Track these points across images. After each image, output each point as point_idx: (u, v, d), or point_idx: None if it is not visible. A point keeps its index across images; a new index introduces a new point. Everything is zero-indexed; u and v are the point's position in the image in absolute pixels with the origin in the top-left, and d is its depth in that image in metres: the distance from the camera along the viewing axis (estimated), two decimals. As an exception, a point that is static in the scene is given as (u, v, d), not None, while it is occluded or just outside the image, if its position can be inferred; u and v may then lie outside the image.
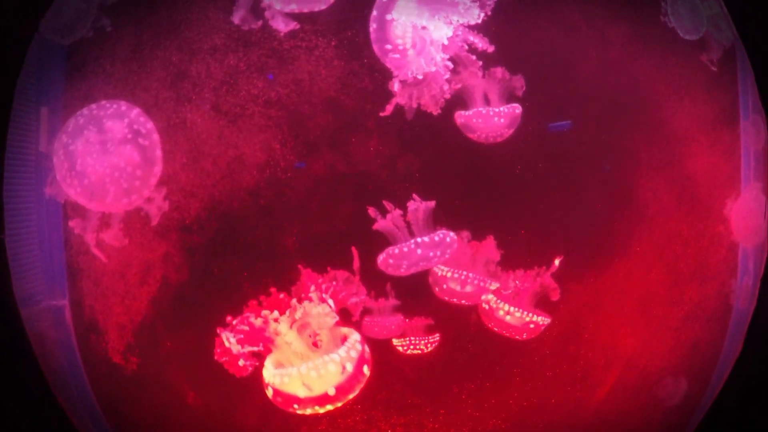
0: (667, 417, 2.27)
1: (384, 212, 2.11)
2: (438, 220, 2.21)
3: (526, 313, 2.11)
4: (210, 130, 2.34)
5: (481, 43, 2.19)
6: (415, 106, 2.16)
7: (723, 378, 2.13)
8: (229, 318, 1.90)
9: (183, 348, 2.30)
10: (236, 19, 2.13)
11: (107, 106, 2.32)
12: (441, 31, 2.12)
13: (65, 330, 2.38)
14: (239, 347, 1.85)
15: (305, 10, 2.11)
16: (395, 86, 2.13)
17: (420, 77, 2.12)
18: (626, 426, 2.26)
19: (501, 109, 2.27)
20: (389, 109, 2.15)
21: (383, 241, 2.20)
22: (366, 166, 2.31)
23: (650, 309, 2.37)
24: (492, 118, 2.26)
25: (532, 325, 2.11)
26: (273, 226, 2.35)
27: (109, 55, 2.28)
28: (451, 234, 2.10)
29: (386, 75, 2.18)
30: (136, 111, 2.31)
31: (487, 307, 2.15)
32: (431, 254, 2.08)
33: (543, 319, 2.11)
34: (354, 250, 2.09)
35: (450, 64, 2.18)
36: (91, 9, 2.23)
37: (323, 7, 2.12)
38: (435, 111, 2.16)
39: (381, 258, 2.11)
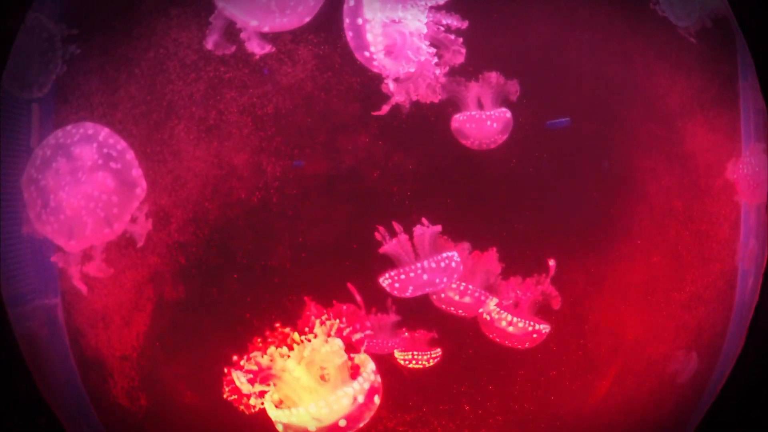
0: (676, 401, 2.40)
1: (391, 234, 2.14)
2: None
3: (528, 322, 2.19)
4: (193, 145, 2.29)
5: (453, 21, 2.16)
6: (414, 98, 2.16)
7: (730, 363, 2.25)
8: (235, 357, 1.94)
9: (190, 376, 2.34)
10: (209, 44, 2.07)
11: (73, 131, 2.24)
12: (416, 18, 2.11)
13: (58, 331, 2.39)
14: (250, 386, 1.90)
15: (282, 29, 2.05)
16: (390, 86, 2.13)
17: (412, 70, 2.13)
18: (634, 412, 2.38)
19: (493, 112, 2.26)
20: (385, 108, 2.15)
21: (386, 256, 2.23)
22: (361, 174, 2.30)
23: (654, 293, 2.44)
24: (485, 122, 2.25)
25: (535, 335, 2.20)
26: (269, 243, 2.34)
27: (84, 78, 2.23)
28: (456, 258, 2.14)
29: (377, 78, 2.17)
30: (104, 132, 2.23)
31: (488, 318, 2.22)
32: (437, 280, 2.13)
33: (545, 327, 2.19)
34: (351, 287, 2.12)
35: (434, 49, 2.16)
36: (56, 49, 2.12)
37: (301, 24, 2.07)
38: (435, 99, 2.17)
39: (386, 281, 2.15)
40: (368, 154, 2.30)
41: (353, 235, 2.33)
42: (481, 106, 2.29)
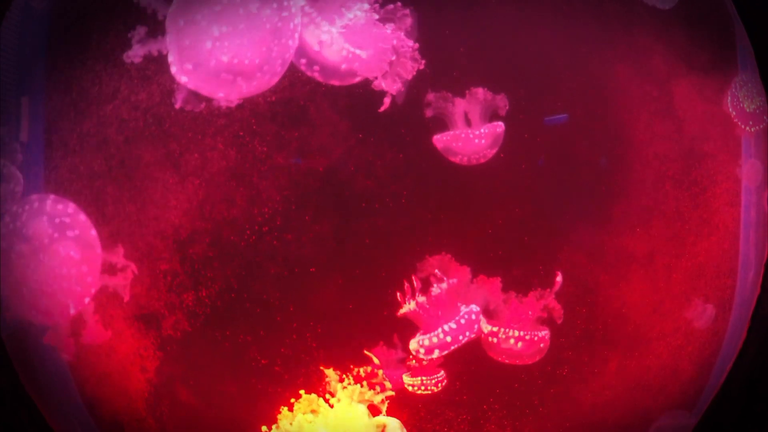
0: (693, 358, 2.55)
1: (412, 292, 2.22)
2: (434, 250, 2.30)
3: (533, 333, 2.31)
4: (173, 186, 2.30)
5: None
6: (408, 77, 2.21)
7: (744, 322, 2.40)
8: (264, 429, 2.08)
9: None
10: (178, 102, 1.98)
11: (20, 212, 2.20)
12: (362, 9, 2.12)
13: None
14: (285, 453, 2.03)
15: (250, 95, 2.02)
16: (382, 84, 2.18)
17: (393, 57, 2.17)
18: (646, 386, 2.55)
19: (482, 130, 2.24)
20: (387, 102, 2.20)
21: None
22: (354, 185, 2.33)
23: (657, 265, 2.52)
24: (473, 140, 2.24)
25: (542, 344, 2.33)
26: (264, 272, 2.36)
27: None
28: (474, 311, 2.22)
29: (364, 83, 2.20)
30: (50, 201, 2.20)
31: (495, 340, 2.33)
32: (461, 337, 2.22)
33: (546, 333, 2.32)
34: (369, 353, 2.18)
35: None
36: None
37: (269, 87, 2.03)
38: (421, 66, 2.22)
39: (414, 347, 2.25)
40: (360, 169, 2.32)
41: (351, 254, 2.38)
42: (468, 122, 2.26)
